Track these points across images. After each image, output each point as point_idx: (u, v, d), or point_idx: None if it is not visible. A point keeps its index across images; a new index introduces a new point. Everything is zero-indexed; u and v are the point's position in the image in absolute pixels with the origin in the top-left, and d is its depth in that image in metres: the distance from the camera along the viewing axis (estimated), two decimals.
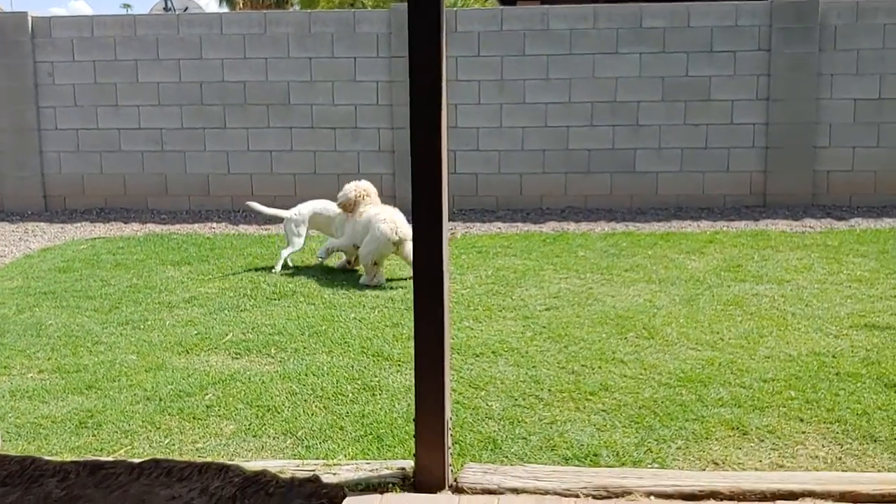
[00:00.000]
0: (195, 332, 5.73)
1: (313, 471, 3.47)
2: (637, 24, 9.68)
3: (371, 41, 9.92)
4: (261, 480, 1.97)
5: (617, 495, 3.24)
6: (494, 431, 4.13)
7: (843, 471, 3.67)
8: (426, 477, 3.33)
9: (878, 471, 3.68)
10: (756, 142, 9.76)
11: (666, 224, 9.17)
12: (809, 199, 9.78)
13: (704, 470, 3.68)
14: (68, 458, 3.12)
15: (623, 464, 3.78)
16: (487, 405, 4.45)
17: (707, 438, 4.02)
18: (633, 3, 9.80)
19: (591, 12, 9.71)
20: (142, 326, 5.88)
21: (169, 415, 4.42)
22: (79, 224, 9.74)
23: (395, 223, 6.85)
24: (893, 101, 9.60)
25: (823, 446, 3.94)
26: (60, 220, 9.98)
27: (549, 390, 4.63)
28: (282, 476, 2.02)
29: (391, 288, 6.76)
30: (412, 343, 3.40)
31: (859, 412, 4.26)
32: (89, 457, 2.63)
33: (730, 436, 4.05)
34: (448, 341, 3.38)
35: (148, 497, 1.97)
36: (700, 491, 3.24)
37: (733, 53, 9.66)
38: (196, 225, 9.57)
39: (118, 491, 2.02)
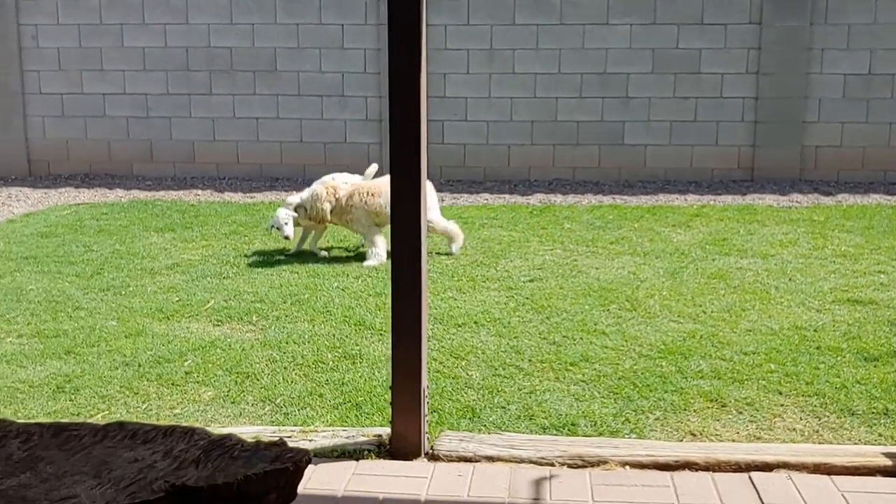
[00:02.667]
0: (176, 298, 5.70)
1: (289, 437, 3.46)
2: None
3: (360, 8, 9.81)
4: (225, 444, 1.95)
5: (592, 464, 3.24)
6: (473, 400, 4.13)
7: (819, 443, 3.68)
8: (402, 444, 3.32)
9: (855, 443, 3.69)
10: (745, 116, 9.71)
11: (653, 197, 9.15)
12: (797, 174, 9.75)
13: (681, 441, 3.69)
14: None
15: (600, 434, 3.78)
16: (467, 374, 4.45)
17: (685, 410, 4.02)
18: None
19: None
20: (123, 292, 5.85)
21: (147, 380, 4.40)
22: (62, 189, 9.65)
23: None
24: (883, 76, 9.55)
25: (801, 419, 3.95)
26: (44, 185, 9.89)
27: (530, 360, 4.63)
28: (247, 440, 2.01)
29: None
30: None
31: (838, 386, 4.27)
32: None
33: (708, 407, 4.05)
34: (425, 310, 3.36)
35: (110, 459, 1.95)
36: (675, 461, 3.24)
37: (724, 26, 9.59)
38: (181, 192, 9.50)
39: (81, 452, 1.99)
